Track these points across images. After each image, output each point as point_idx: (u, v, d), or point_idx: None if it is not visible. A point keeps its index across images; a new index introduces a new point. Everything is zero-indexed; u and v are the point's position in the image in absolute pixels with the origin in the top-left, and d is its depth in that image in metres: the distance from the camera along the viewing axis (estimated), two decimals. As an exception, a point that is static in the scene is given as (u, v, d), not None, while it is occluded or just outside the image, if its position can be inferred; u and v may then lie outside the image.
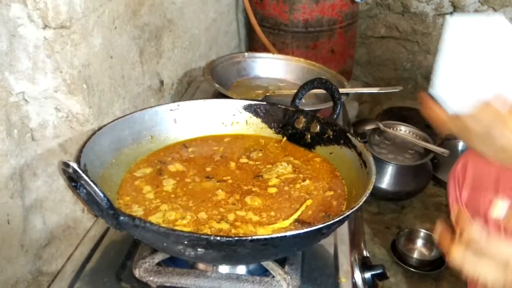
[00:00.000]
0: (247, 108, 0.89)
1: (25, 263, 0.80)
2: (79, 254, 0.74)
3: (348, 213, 0.59)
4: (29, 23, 0.72)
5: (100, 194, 0.52)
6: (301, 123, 0.87)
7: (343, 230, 0.81)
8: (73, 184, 0.54)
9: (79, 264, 0.71)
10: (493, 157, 0.66)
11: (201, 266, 0.69)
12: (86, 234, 0.79)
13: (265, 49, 1.75)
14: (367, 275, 0.75)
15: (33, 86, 0.75)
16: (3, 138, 0.70)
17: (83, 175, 0.51)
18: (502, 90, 0.55)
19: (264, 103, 0.89)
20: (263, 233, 0.65)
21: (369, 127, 1.80)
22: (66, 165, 0.52)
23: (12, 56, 0.71)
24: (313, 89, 0.89)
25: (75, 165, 0.51)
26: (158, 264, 0.68)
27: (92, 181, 0.51)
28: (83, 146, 0.67)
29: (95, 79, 0.84)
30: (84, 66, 0.80)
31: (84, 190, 0.53)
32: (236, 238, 0.55)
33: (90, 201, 0.54)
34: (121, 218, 0.54)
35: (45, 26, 0.73)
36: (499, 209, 0.86)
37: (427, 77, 2.36)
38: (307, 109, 0.90)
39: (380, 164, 1.65)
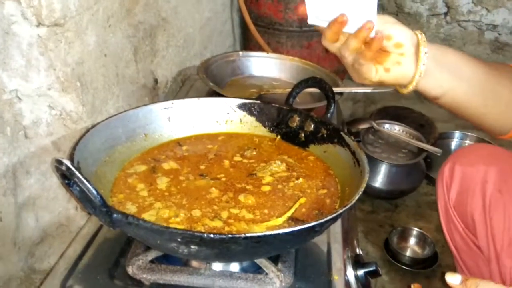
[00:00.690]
0: (241, 106, 0.89)
1: (18, 260, 0.80)
2: (72, 251, 0.74)
3: (341, 211, 0.60)
4: (23, 21, 0.72)
5: (94, 191, 0.52)
6: (295, 122, 0.87)
7: (336, 228, 0.81)
8: (66, 181, 0.54)
9: (72, 262, 0.71)
10: None
11: (194, 263, 0.69)
12: (79, 232, 0.79)
13: (260, 48, 1.75)
14: (360, 272, 0.75)
15: (26, 83, 0.75)
16: (-4, 135, 0.70)
17: (76, 172, 0.51)
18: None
19: (258, 102, 0.90)
20: (257, 230, 0.65)
21: (363, 126, 1.81)
22: (59, 162, 0.51)
23: (5, 53, 0.71)
24: (307, 88, 0.89)
25: (68, 163, 0.51)
26: (152, 261, 0.68)
27: (85, 178, 0.51)
28: (76, 144, 0.67)
29: (88, 77, 0.84)
30: (78, 64, 0.80)
31: (77, 188, 0.53)
32: (229, 235, 0.55)
33: (83, 198, 0.54)
34: (114, 215, 0.54)
35: (39, 24, 0.73)
36: None
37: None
38: (301, 108, 0.90)
39: (374, 163, 1.66)
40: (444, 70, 0.72)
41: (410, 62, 0.70)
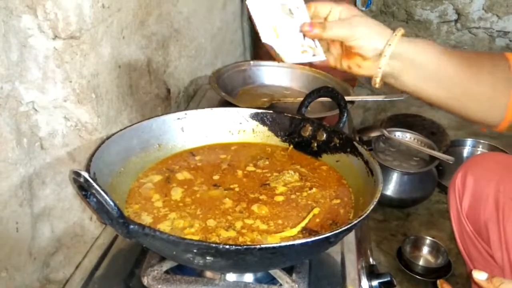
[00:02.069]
0: (254, 116, 0.90)
1: (33, 271, 0.80)
2: (88, 262, 0.74)
3: (356, 221, 0.60)
4: (40, 34, 0.73)
5: (111, 203, 0.52)
6: (307, 131, 0.88)
7: (350, 238, 0.81)
8: (84, 193, 0.55)
9: (87, 272, 0.72)
10: None
11: (208, 274, 0.70)
12: (94, 242, 0.79)
13: (270, 57, 1.76)
14: (374, 283, 0.75)
15: (42, 95, 0.76)
16: (13, 147, 0.71)
17: (94, 184, 0.52)
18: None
19: (271, 111, 0.90)
20: (271, 241, 0.65)
21: (374, 134, 1.81)
22: (77, 174, 0.52)
23: (22, 66, 0.72)
24: (319, 97, 0.89)
25: (86, 175, 0.52)
26: (166, 272, 0.68)
27: (103, 190, 0.52)
28: (92, 155, 0.68)
29: (103, 89, 0.85)
30: (93, 76, 0.81)
31: (95, 199, 0.54)
32: (245, 246, 0.55)
33: (100, 210, 0.54)
34: (131, 226, 0.54)
35: (55, 37, 0.74)
36: None
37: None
38: (312, 117, 0.91)
39: (385, 171, 1.66)
40: (411, 74, 0.73)
41: (371, 66, 0.74)
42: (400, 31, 0.73)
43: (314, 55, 0.77)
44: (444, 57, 0.73)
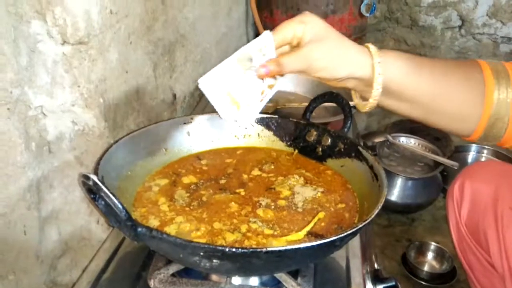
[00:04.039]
0: (259, 121, 0.90)
1: (41, 274, 0.81)
2: (95, 265, 0.75)
3: (361, 225, 0.60)
4: (49, 39, 0.74)
5: (119, 206, 0.53)
6: (312, 136, 0.88)
7: (355, 243, 0.81)
8: (92, 196, 0.55)
9: (94, 275, 0.73)
10: None
11: (214, 277, 0.70)
12: (101, 246, 0.80)
13: (275, 63, 1.76)
14: (379, 287, 0.75)
15: (51, 100, 0.77)
16: (22, 151, 0.72)
17: (103, 187, 0.52)
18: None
19: (276, 116, 0.91)
20: (277, 245, 0.65)
21: (378, 139, 1.81)
22: (86, 177, 0.53)
23: (31, 71, 0.73)
24: (324, 103, 0.90)
25: (95, 178, 0.52)
26: (173, 275, 0.69)
27: (112, 193, 0.53)
28: (100, 159, 0.68)
29: (111, 94, 0.86)
30: (101, 81, 0.82)
31: (103, 202, 0.54)
32: (251, 249, 0.56)
33: (108, 212, 0.55)
34: (139, 229, 0.55)
35: (64, 42, 0.75)
36: None
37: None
38: (317, 122, 0.91)
39: (390, 176, 1.66)
40: (388, 98, 0.70)
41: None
42: (375, 52, 0.67)
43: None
44: (413, 73, 0.69)
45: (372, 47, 0.67)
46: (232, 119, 0.69)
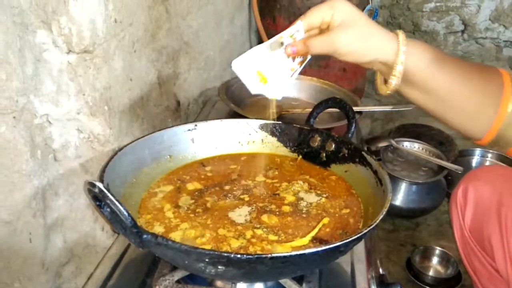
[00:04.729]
0: (263, 127, 0.91)
1: (46, 281, 0.81)
2: (100, 272, 0.75)
3: (365, 230, 0.60)
4: (54, 48, 0.75)
5: (125, 213, 0.53)
6: (316, 141, 0.89)
7: (360, 248, 0.81)
8: (98, 203, 0.56)
9: (100, 283, 0.73)
10: None
11: (219, 283, 0.70)
12: (106, 253, 0.80)
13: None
14: (385, 292, 0.75)
15: (56, 108, 0.77)
16: (27, 159, 0.72)
17: (109, 194, 0.53)
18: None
19: (280, 122, 0.91)
20: (282, 251, 0.65)
21: (382, 144, 1.81)
22: (92, 185, 0.53)
23: (37, 80, 0.74)
24: (327, 108, 0.90)
25: (101, 185, 0.53)
26: (178, 281, 0.69)
27: (117, 200, 0.53)
28: (105, 166, 0.69)
29: (116, 101, 0.86)
30: (106, 89, 0.82)
31: (108, 209, 0.55)
32: (256, 255, 0.56)
33: (114, 219, 0.55)
34: (144, 236, 0.55)
35: (69, 51, 0.75)
36: None
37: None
38: (321, 127, 0.91)
39: (394, 181, 1.65)
40: (407, 86, 0.72)
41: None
42: (403, 40, 0.69)
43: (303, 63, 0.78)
44: (435, 66, 0.70)
45: (401, 35, 0.69)
46: (262, 93, 0.75)
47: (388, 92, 0.74)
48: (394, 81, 0.70)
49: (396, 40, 0.69)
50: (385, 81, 0.74)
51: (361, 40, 0.68)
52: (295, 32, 0.72)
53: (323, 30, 0.72)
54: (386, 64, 0.71)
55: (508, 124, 0.70)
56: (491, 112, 0.71)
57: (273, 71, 0.75)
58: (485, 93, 0.71)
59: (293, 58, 0.75)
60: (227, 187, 0.81)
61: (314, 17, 0.70)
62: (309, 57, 0.76)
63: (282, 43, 0.73)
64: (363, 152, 0.81)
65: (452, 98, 0.72)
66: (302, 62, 0.77)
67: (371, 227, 0.61)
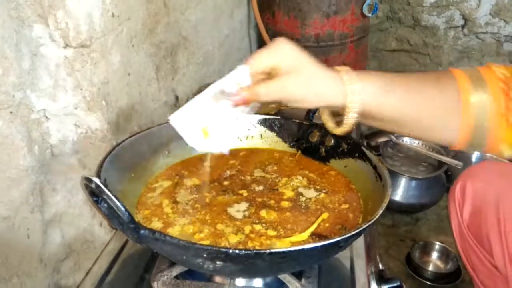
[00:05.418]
0: (262, 122, 0.90)
1: (44, 277, 0.81)
2: (98, 268, 0.75)
3: (365, 226, 0.60)
4: (51, 43, 0.74)
5: (122, 208, 0.53)
6: (315, 136, 0.88)
7: (359, 243, 0.81)
8: (95, 198, 0.55)
9: (98, 278, 0.73)
10: None
11: (218, 279, 0.70)
12: (104, 248, 0.80)
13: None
14: (384, 288, 0.75)
15: (53, 103, 0.77)
16: (24, 154, 0.72)
17: (106, 190, 0.52)
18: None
19: (279, 117, 0.90)
20: (281, 246, 0.65)
21: (381, 139, 1.81)
22: (89, 180, 0.53)
23: (34, 74, 0.73)
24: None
25: (97, 180, 0.52)
26: (176, 277, 0.68)
27: (114, 195, 0.53)
28: (102, 162, 0.68)
29: (113, 96, 0.86)
30: (103, 84, 0.82)
31: (105, 205, 0.54)
32: (255, 251, 0.55)
33: (111, 215, 0.55)
34: (142, 231, 0.55)
35: (66, 46, 0.75)
36: None
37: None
38: (320, 122, 0.91)
39: (394, 176, 1.65)
40: (362, 120, 0.69)
41: None
42: (348, 80, 0.65)
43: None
44: (382, 96, 0.67)
45: (345, 76, 0.66)
46: (207, 150, 0.69)
47: (340, 132, 0.71)
48: (350, 120, 0.67)
49: (341, 81, 0.66)
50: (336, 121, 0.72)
51: (309, 85, 0.65)
52: (239, 77, 0.66)
53: (269, 74, 0.67)
54: (337, 107, 0.67)
55: (474, 124, 0.68)
56: (455, 116, 0.69)
57: (217, 123, 0.68)
58: (444, 100, 0.69)
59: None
60: (225, 183, 0.80)
61: (259, 63, 0.65)
62: (251, 106, 0.70)
63: (224, 91, 0.66)
64: (362, 147, 0.80)
65: (413, 118, 0.69)
66: (244, 111, 0.71)
67: (370, 222, 0.61)
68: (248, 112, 0.70)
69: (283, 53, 0.65)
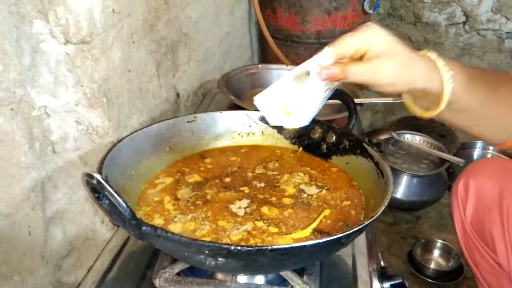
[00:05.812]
0: (263, 119, 0.90)
1: (46, 274, 0.81)
2: (100, 265, 0.75)
3: (367, 222, 0.60)
4: (51, 39, 0.74)
5: (123, 204, 0.53)
6: (317, 133, 0.88)
7: (361, 240, 0.81)
8: (96, 195, 0.55)
9: (99, 275, 0.72)
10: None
11: (220, 276, 0.70)
12: (106, 245, 0.80)
13: (278, 61, 1.77)
14: (386, 285, 0.75)
15: (54, 100, 0.77)
16: (25, 151, 0.72)
17: (107, 186, 0.52)
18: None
19: (280, 114, 0.90)
20: (283, 242, 0.65)
21: (383, 136, 1.80)
22: (90, 176, 0.53)
23: (34, 71, 0.73)
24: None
25: (99, 177, 0.52)
26: (178, 274, 0.68)
27: (115, 192, 0.52)
28: (104, 158, 0.68)
29: (114, 93, 0.85)
30: (104, 80, 0.81)
31: (107, 201, 0.54)
32: (256, 247, 0.55)
33: (112, 211, 0.55)
34: (143, 228, 0.55)
35: (67, 42, 0.74)
36: None
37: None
38: (321, 119, 0.91)
39: (395, 174, 1.64)
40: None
41: None
42: (443, 67, 0.66)
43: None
44: (469, 88, 0.68)
45: (439, 61, 0.66)
46: (283, 125, 0.72)
47: (429, 115, 0.70)
48: (443, 105, 0.67)
49: (435, 67, 0.66)
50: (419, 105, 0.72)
51: (406, 70, 0.64)
52: (322, 60, 0.66)
53: (355, 59, 0.66)
54: (430, 93, 0.67)
55: None
56: None
57: (298, 102, 0.70)
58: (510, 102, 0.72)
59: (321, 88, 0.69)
60: (227, 179, 0.80)
61: (347, 46, 0.64)
62: (334, 85, 0.71)
63: (308, 73, 0.68)
64: (364, 144, 0.80)
65: (481, 114, 0.71)
66: (326, 90, 0.71)
67: (372, 219, 0.61)
68: (331, 90, 0.71)
69: (374, 36, 0.64)
